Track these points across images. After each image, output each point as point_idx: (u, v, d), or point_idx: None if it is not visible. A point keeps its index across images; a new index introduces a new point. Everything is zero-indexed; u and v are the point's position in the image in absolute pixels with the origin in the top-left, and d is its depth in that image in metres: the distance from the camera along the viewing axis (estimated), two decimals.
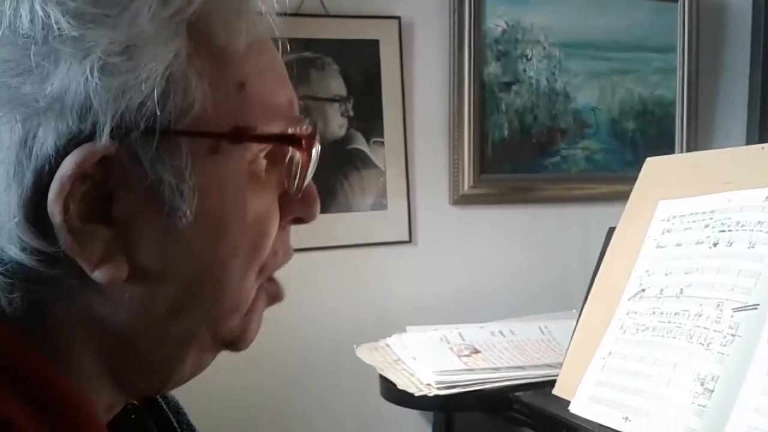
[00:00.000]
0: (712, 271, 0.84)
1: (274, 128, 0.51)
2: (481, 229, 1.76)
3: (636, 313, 0.90)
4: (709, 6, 1.92)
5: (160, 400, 0.65)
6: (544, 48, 1.77)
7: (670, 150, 1.87)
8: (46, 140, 0.43)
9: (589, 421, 0.87)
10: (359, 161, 1.64)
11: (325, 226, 1.59)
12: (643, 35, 1.85)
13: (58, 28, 0.43)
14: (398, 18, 1.66)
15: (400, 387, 1.16)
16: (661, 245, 0.94)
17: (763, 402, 0.72)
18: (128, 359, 0.51)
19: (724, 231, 0.86)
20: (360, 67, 1.64)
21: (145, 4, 0.44)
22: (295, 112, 0.54)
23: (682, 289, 0.86)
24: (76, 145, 0.44)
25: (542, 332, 1.34)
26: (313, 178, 0.57)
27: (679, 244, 0.91)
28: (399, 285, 1.70)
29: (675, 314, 0.85)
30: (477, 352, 1.25)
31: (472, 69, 1.69)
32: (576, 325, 1.01)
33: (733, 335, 0.77)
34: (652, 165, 1.05)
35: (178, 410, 0.67)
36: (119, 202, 0.46)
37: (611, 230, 1.04)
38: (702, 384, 0.77)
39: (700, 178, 0.95)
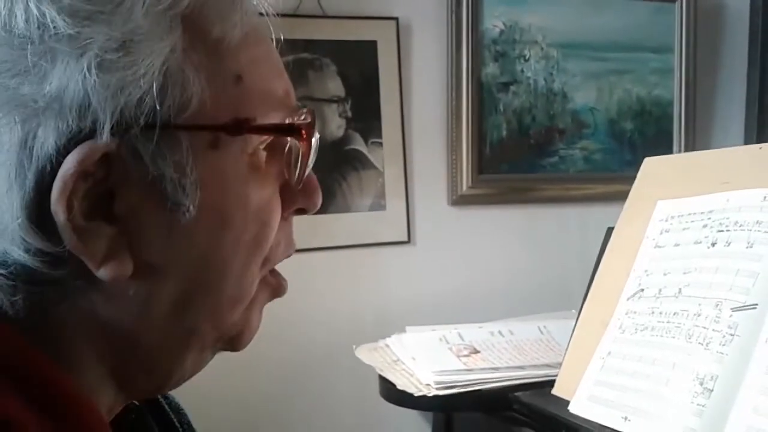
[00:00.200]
0: (710, 271, 0.84)
1: (273, 119, 0.51)
2: (479, 229, 1.76)
3: (635, 312, 0.91)
4: (707, 6, 1.92)
5: (161, 399, 0.65)
6: (542, 48, 1.77)
7: (668, 150, 1.87)
8: (47, 140, 0.43)
9: (589, 420, 0.87)
10: (357, 162, 1.64)
11: (324, 226, 1.60)
12: (641, 35, 1.85)
13: (54, 27, 0.42)
14: (396, 19, 1.66)
15: (399, 387, 1.16)
16: (660, 245, 0.94)
17: (762, 401, 0.72)
18: (130, 358, 0.51)
19: (722, 231, 0.87)
20: (358, 68, 1.64)
21: None
22: (293, 101, 0.55)
23: (680, 288, 0.86)
24: (77, 144, 0.44)
25: (541, 332, 1.34)
26: (312, 174, 0.57)
27: (678, 244, 0.91)
28: (398, 285, 1.70)
29: (674, 314, 0.85)
30: (476, 352, 1.25)
31: (470, 69, 1.69)
32: (575, 325, 1.01)
33: (732, 335, 0.78)
34: (651, 165, 1.05)
35: (178, 410, 0.67)
36: (121, 198, 0.46)
37: (610, 230, 1.04)
38: (701, 384, 0.77)
39: (699, 178, 0.95)
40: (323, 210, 1.60)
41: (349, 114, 1.63)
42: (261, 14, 0.53)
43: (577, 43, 1.80)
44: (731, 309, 0.79)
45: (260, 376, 1.58)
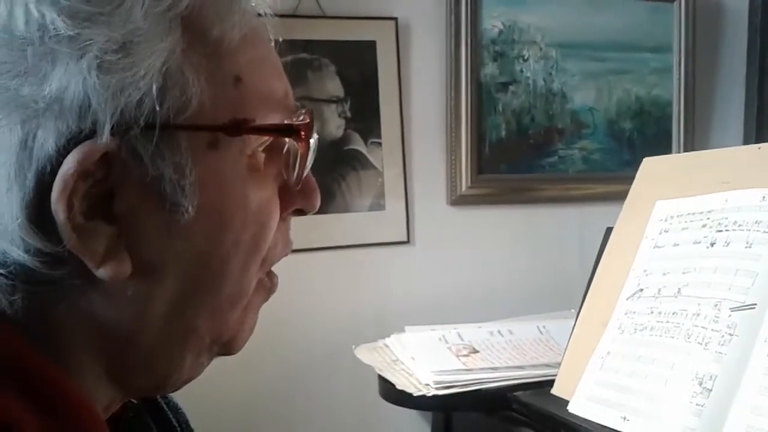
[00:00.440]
0: (709, 271, 0.85)
1: (272, 120, 0.51)
2: (478, 229, 1.76)
3: (634, 312, 0.91)
4: (706, 6, 1.92)
5: (159, 399, 0.65)
6: (541, 48, 1.77)
7: (667, 150, 1.87)
8: (47, 141, 0.43)
9: (588, 420, 0.87)
10: (357, 162, 1.64)
11: (323, 226, 1.60)
12: (640, 35, 1.85)
13: (54, 28, 0.43)
14: (395, 19, 1.66)
15: (398, 387, 1.16)
16: (659, 245, 0.94)
17: (761, 401, 0.72)
18: (128, 358, 0.51)
19: (721, 231, 0.87)
20: (357, 68, 1.64)
21: (138, 0, 0.45)
22: (291, 103, 0.55)
23: (679, 288, 0.87)
24: (77, 144, 0.44)
25: (541, 332, 1.34)
26: (311, 175, 0.57)
27: (677, 244, 0.92)
28: (397, 285, 1.70)
29: (673, 314, 0.85)
30: (475, 351, 1.25)
31: (469, 69, 1.69)
32: (574, 324, 1.01)
33: (730, 335, 0.78)
34: (650, 165, 1.05)
35: (177, 409, 0.67)
36: (121, 198, 0.46)
37: (609, 230, 1.05)
38: (700, 383, 0.77)
39: (698, 178, 0.95)
40: (323, 210, 1.60)
41: (349, 114, 1.63)
42: (260, 15, 0.53)
43: (576, 43, 1.80)
44: (730, 309, 0.79)
45: (259, 376, 1.58)
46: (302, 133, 0.52)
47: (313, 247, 1.59)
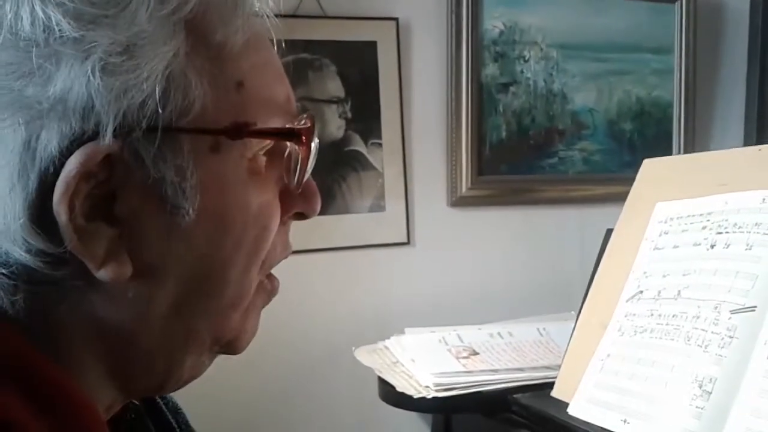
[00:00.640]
0: (709, 273, 0.84)
1: (273, 124, 0.52)
2: (479, 230, 1.76)
3: (634, 315, 0.90)
4: (707, 7, 1.92)
5: (158, 400, 0.65)
6: (542, 49, 1.77)
7: (667, 151, 1.87)
8: (50, 142, 0.44)
9: (588, 423, 0.87)
10: (357, 163, 1.64)
11: (323, 228, 1.59)
12: (641, 36, 1.85)
13: (59, 30, 0.43)
14: (396, 19, 1.66)
15: (398, 389, 1.16)
16: (659, 247, 0.94)
17: (761, 404, 0.72)
18: (129, 359, 0.51)
19: (721, 233, 0.87)
20: (358, 69, 1.64)
21: (142, 3, 0.45)
22: (293, 107, 0.55)
23: (679, 291, 0.86)
24: (80, 146, 0.44)
25: (540, 334, 1.34)
26: (311, 179, 0.57)
27: (677, 246, 0.91)
28: (397, 287, 1.70)
29: (673, 316, 0.85)
30: (475, 353, 1.25)
31: (470, 70, 1.69)
32: (574, 326, 1.01)
33: (730, 337, 0.78)
34: (650, 166, 1.05)
35: (176, 410, 0.67)
36: (122, 200, 0.46)
37: (609, 231, 1.04)
38: (700, 386, 0.77)
39: (698, 179, 0.95)
40: (322, 211, 1.57)
41: (349, 115, 1.63)
42: (262, 17, 0.54)
43: (577, 43, 1.80)
44: (730, 311, 0.79)
45: (259, 378, 1.58)
46: (303, 137, 0.53)
47: (313, 249, 1.59)
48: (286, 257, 0.58)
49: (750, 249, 0.82)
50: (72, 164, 0.44)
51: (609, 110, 1.84)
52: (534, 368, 1.17)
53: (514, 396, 1.05)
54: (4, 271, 0.46)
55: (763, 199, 0.84)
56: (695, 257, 0.88)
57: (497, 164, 1.75)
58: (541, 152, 1.79)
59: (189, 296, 0.50)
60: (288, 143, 0.53)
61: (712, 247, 0.87)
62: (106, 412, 0.53)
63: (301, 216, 0.58)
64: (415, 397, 1.13)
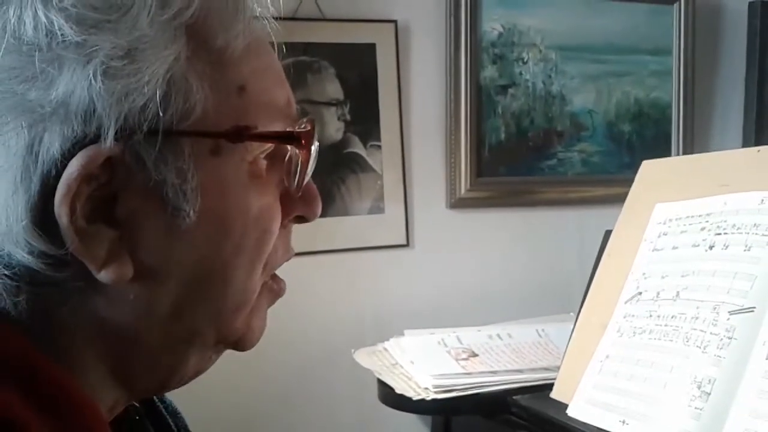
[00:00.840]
0: (708, 274, 0.85)
1: (274, 127, 0.52)
2: (478, 232, 1.76)
3: (633, 316, 0.91)
4: (705, 8, 1.92)
5: (158, 403, 0.65)
6: (541, 51, 1.77)
7: (666, 152, 1.87)
8: (52, 145, 0.44)
9: (587, 424, 0.87)
10: (356, 165, 1.64)
11: (323, 230, 1.59)
12: (639, 38, 1.85)
13: (62, 34, 0.43)
14: (395, 22, 1.66)
15: (398, 391, 1.16)
16: (658, 248, 0.94)
17: (760, 405, 0.72)
18: (132, 359, 0.52)
19: (720, 234, 0.87)
20: (357, 71, 1.64)
21: (144, 8, 0.45)
22: (294, 111, 0.55)
23: (678, 292, 0.86)
24: (81, 149, 0.44)
25: (540, 335, 1.34)
26: (312, 183, 0.58)
27: (676, 247, 0.91)
28: (396, 289, 1.70)
29: (672, 317, 0.85)
30: (475, 355, 1.25)
31: (469, 72, 1.69)
32: (573, 328, 1.01)
33: (729, 338, 0.78)
34: (649, 168, 1.05)
35: (176, 414, 0.67)
36: (123, 202, 0.47)
37: (608, 233, 1.04)
38: (699, 387, 0.77)
39: (697, 181, 0.95)
40: (322, 213, 1.59)
41: (348, 117, 1.63)
42: (262, 21, 0.54)
43: (576, 45, 1.80)
44: (729, 312, 0.79)
45: (258, 379, 1.58)
46: (303, 140, 0.53)
47: (313, 251, 1.59)
48: (288, 260, 0.58)
49: (749, 250, 0.82)
50: (73, 167, 0.44)
51: (608, 112, 1.85)
52: (533, 369, 1.17)
53: (514, 397, 1.05)
54: (6, 272, 0.46)
55: (762, 200, 0.85)
56: (694, 258, 0.88)
57: (496, 166, 1.75)
58: (540, 154, 1.79)
59: (191, 298, 0.50)
60: (288, 146, 0.54)
61: (711, 248, 0.87)
62: (110, 413, 0.54)
63: (302, 219, 0.58)
64: (414, 398, 1.13)
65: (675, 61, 1.88)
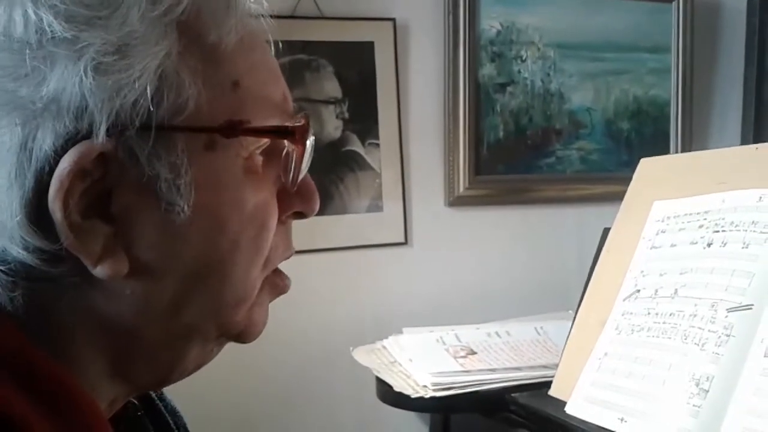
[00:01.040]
0: (706, 272, 0.85)
1: (269, 123, 0.52)
2: (476, 230, 1.76)
3: (631, 313, 0.91)
4: (704, 6, 1.92)
5: (157, 401, 0.65)
6: (539, 49, 1.77)
7: (665, 150, 1.87)
8: (45, 141, 0.44)
9: (585, 422, 0.87)
10: (354, 163, 1.64)
11: (321, 228, 1.59)
12: (638, 36, 1.85)
13: (51, 31, 0.43)
14: (393, 20, 1.66)
15: (396, 389, 1.16)
16: (656, 246, 0.94)
17: (758, 402, 0.72)
18: (132, 354, 0.52)
19: (718, 231, 0.87)
20: (355, 69, 1.64)
21: (134, 4, 0.45)
22: (289, 106, 0.55)
23: (676, 289, 0.87)
24: (74, 144, 0.45)
25: (538, 333, 1.34)
26: (310, 178, 0.57)
27: (674, 245, 0.92)
28: (395, 287, 1.70)
29: (670, 315, 0.85)
30: (473, 353, 1.25)
31: (467, 70, 1.69)
32: (572, 325, 1.01)
33: (727, 335, 0.78)
34: (647, 165, 1.05)
35: (175, 412, 0.67)
36: (117, 198, 0.47)
37: (606, 231, 1.05)
38: (697, 384, 0.77)
39: (695, 178, 0.95)
40: (320, 212, 1.57)
41: (346, 115, 1.63)
42: (257, 18, 0.54)
43: (574, 43, 1.80)
44: (727, 309, 0.79)
45: (257, 378, 1.58)
46: (297, 135, 0.53)
47: (311, 249, 1.59)
48: (288, 257, 0.58)
49: (747, 247, 0.82)
50: (66, 162, 0.44)
51: (606, 109, 1.85)
52: (532, 367, 1.17)
53: (512, 395, 1.05)
54: (2, 267, 0.46)
55: (760, 198, 0.85)
56: (692, 256, 0.88)
57: (495, 164, 1.75)
58: (539, 152, 1.79)
59: (189, 294, 0.50)
60: (284, 142, 0.53)
61: (709, 245, 0.87)
62: (109, 408, 0.54)
63: (301, 215, 0.58)
64: (413, 396, 1.13)
65: (673, 58, 1.88)
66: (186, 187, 0.48)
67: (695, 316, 0.82)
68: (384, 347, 1.35)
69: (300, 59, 1.58)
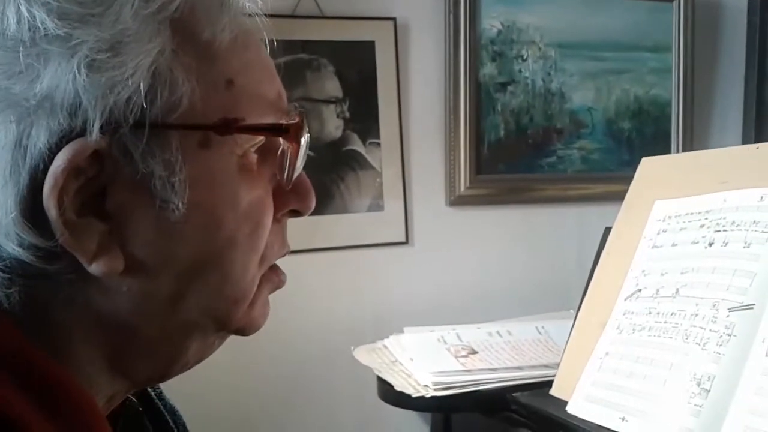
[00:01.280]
0: (707, 271, 0.84)
1: (264, 120, 0.52)
2: (477, 229, 1.76)
3: (632, 313, 0.90)
4: (705, 5, 1.92)
5: (156, 401, 0.65)
6: (540, 48, 1.77)
7: (665, 150, 1.87)
8: (39, 139, 0.44)
9: (586, 421, 0.87)
10: (355, 162, 1.64)
11: (322, 227, 1.59)
12: (639, 35, 1.85)
13: (44, 28, 0.44)
14: (394, 19, 1.66)
15: (397, 388, 1.16)
16: (657, 245, 0.94)
17: (759, 402, 0.72)
18: (130, 350, 0.52)
19: (719, 231, 0.87)
20: (356, 69, 1.64)
21: (127, 2, 0.46)
22: (284, 104, 0.55)
23: (678, 289, 0.86)
24: (68, 142, 0.45)
25: (539, 332, 1.34)
26: (310, 179, 0.57)
27: (675, 244, 0.91)
28: (396, 286, 1.70)
29: (671, 314, 0.85)
30: (474, 352, 1.25)
31: (468, 70, 1.69)
32: (573, 325, 1.01)
33: (729, 335, 0.78)
34: (648, 165, 1.05)
35: (174, 412, 0.67)
36: (112, 195, 0.47)
37: (607, 230, 1.04)
38: (698, 384, 0.77)
39: (696, 178, 0.95)
40: (321, 211, 1.60)
41: (347, 114, 1.63)
42: (252, 16, 0.54)
43: (575, 42, 1.80)
44: (728, 309, 0.79)
45: (257, 377, 1.58)
46: (292, 132, 0.53)
47: (312, 248, 1.59)
48: (284, 255, 0.58)
49: (748, 247, 0.82)
50: (60, 160, 0.44)
51: (607, 109, 1.85)
52: (533, 367, 1.17)
53: (513, 394, 1.05)
54: None
55: (761, 197, 0.85)
56: (693, 255, 0.88)
57: (495, 163, 1.75)
58: (540, 151, 1.79)
59: (186, 291, 0.51)
60: (279, 140, 0.54)
61: (711, 245, 0.87)
62: (108, 404, 0.54)
63: (297, 213, 0.58)
64: (413, 396, 1.13)
65: (674, 58, 1.88)
66: (180, 184, 0.48)
67: (696, 315, 0.82)
68: (385, 346, 1.35)
69: (301, 58, 1.58)
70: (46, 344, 0.48)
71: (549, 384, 0.99)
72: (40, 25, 0.44)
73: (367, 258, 1.67)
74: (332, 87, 1.62)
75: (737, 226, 0.85)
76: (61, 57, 0.44)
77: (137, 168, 0.46)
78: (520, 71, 1.76)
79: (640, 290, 0.92)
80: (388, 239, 1.68)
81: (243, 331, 0.56)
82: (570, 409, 0.91)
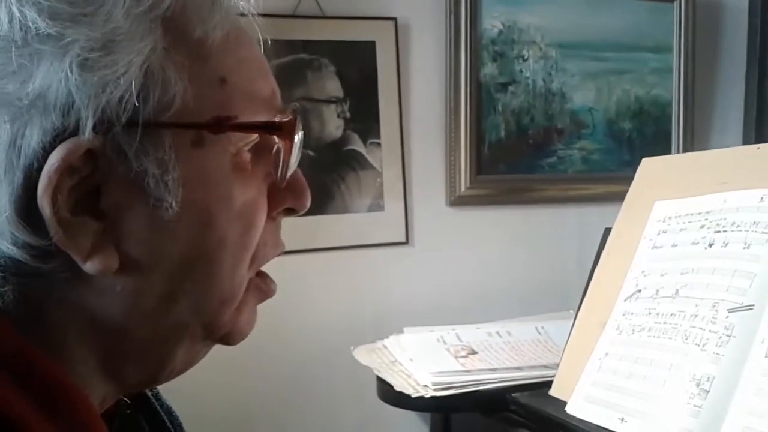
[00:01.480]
0: (707, 272, 0.84)
1: (257, 119, 0.52)
2: (477, 229, 1.76)
3: (632, 313, 0.90)
4: (706, 6, 1.92)
5: (153, 401, 0.65)
6: (541, 48, 1.77)
7: (666, 150, 1.87)
8: (33, 138, 0.44)
9: (585, 421, 0.87)
10: (356, 162, 1.64)
11: (322, 227, 1.59)
12: (640, 35, 1.85)
13: (35, 28, 0.44)
14: (394, 19, 1.66)
15: (397, 388, 1.16)
16: (657, 246, 0.94)
17: (759, 402, 0.72)
18: (120, 351, 0.52)
19: (719, 231, 0.86)
20: (356, 69, 1.64)
21: (119, 1, 0.46)
22: (278, 102, 0.55)
23: (677, 289, 0.86)
24: (61, 141, 0.45)
25: (539, 333, 1.34)
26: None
27: (675, 245, 0.91)
28: (396, 286, 1.70)
29: (671, 315, 0.85)
30: (474, 353, 1.25)
31: (469, 70, 1.69)
32: (572, 325, 1.01)
33: (728, 336, 0.77)
34: (648, 165, 1.05)
35: (170, 412, 0.67)
36: (106, 194, 0.47)
37: (607, 231, 1.04)
38: (697, 385, 0.77)
39: (696, 178, 0.95)
40: (322, 211, 1.60)
41: (348, 114, 1.63)
42: (245, 15, 0.54)
43: (576, 43, 1.80)
44: (728, 310, 0.79)
45: (257, 377, 1.58)
46: (285, 130, 0.53)
47: (312, 248, 1.59)
48: (277, 254, 0.58)
49: (748, 248, 0.82)
50: (53, 159, 0.45)
51: (608, 109, 1.84)
52: (532, 367, 1.17)
53: (513, 395, 1.04)
54: None
55: (762, 198, 0.84)
56: (693, 256, 0.88)
57: (496, 163, 1.75)
58: (540, 151, 1.79)
59: (177, 291, 0.51)
60: (273, 138, 0.53)
61: (711, 245, 0.87)
62: (101, 404, 0.54)
63: (292, 212, 0.58)
64: (413, 396, 1.13)
65: (675, 58, 1.88)
66: (174, 183, 0.48)
67: (696, 316, 0.82)
68: (385, 346, 1.35)
69: (301, 58, 1.58)
70: (40, 342, 0.48)
71: (548, 384, 0.99)
72: (31, 25, 0.44)
73: (367, 258, 1.67)
74: (333, 87, 1.62)
75: (737, 226, 0.85)
76: (53, 56, 0.44)
77: (131, 166, 0.46)
78: (520, 71, 1.76)
79: (639, 291, 0.92)
80: (388, 239, 1.68)
81: (229, 338, 0.55)
82: (569, 409, 0.91)
